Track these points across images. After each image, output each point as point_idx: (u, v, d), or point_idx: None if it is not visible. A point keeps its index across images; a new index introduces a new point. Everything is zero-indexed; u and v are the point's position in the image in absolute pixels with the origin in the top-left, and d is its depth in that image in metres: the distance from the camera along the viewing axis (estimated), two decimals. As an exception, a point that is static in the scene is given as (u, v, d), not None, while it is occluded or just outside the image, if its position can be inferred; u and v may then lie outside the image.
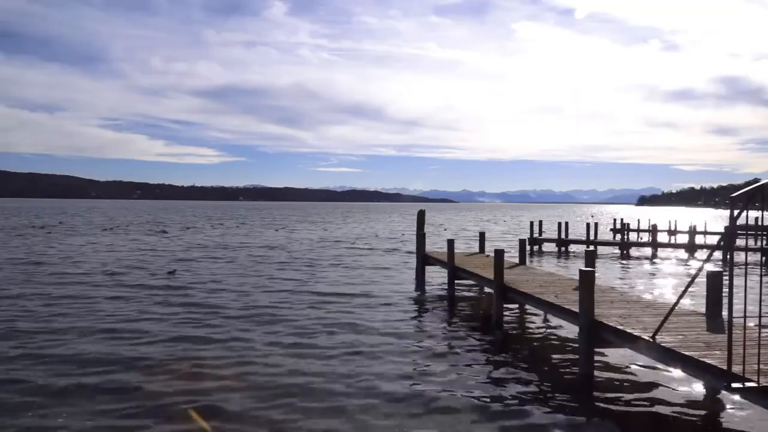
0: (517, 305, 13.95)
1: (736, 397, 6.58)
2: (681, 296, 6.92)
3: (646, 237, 40.88)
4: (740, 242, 35.04)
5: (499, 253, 12.77)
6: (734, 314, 5.45)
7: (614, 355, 9.76)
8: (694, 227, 34.61)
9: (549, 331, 12.38)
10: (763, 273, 22.74)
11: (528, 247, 27.53)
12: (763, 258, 26.76)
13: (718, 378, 6.06)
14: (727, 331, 5.52)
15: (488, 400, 8.04)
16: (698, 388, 8.29)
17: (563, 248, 33.44)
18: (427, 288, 18.47)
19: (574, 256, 30.88)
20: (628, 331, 7.88)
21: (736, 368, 5.50)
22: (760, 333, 5.74)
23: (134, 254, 28.65)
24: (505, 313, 12.91)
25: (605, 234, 45.60)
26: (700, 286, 9.82)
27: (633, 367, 9.42)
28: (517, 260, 17.40)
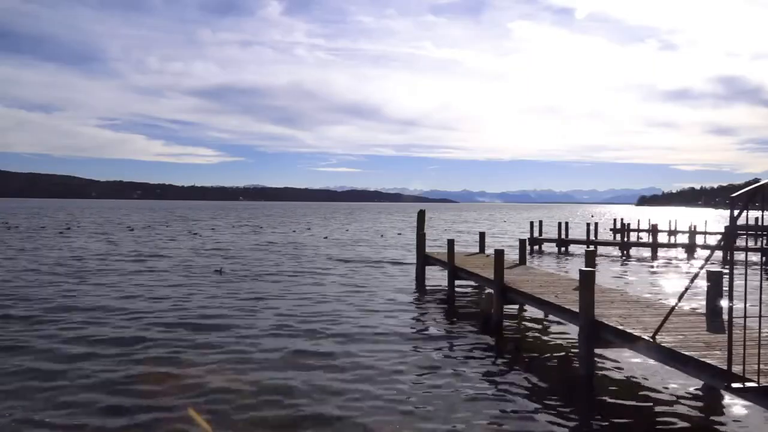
0: (517, 305, 13.94)
1: (736, 397, 6.57)
2: (681, 296, 6.92)
3: (646, 237, 40.88)
4: (740, 242, 35.03)
5: (499, 253, 12.76)
6: (734, 314, 5.44)
7: (614, 355, 9.77)
8: (694, 227, 34.62)
9: (549, 331, 12.38)
10: (763, 273, 22.73)
11: (528, 247, 27.55)
12: (763, 258, 26.75)
13: (718, 378, 6.06)
14: (727, 331, 5.52)
15: (488, 400, 8.04)
16: (698, 388, 8.29)
17: (563, 248, 33.44)
18: (427, 288, 18.47)
19: (574, 256, 30.88)
20: (628, 331, 7.88)
21: (736, 368, 5.50)
22: (760, 333, 5.73)
23: (174, 253, 28.68)
24: (505, 313, 12.91)
25: (605, 234, 45.59)
26: (701, 286, 9.82)
27: (633, 367, 9.42)
28: (517, 260, 17.41)
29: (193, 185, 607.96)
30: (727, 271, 6.31)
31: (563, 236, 33.88)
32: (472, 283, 16.72)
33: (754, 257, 28.82)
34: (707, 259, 6.37)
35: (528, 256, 20.21)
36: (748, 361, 5.49)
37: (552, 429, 7.04)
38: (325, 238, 43.57)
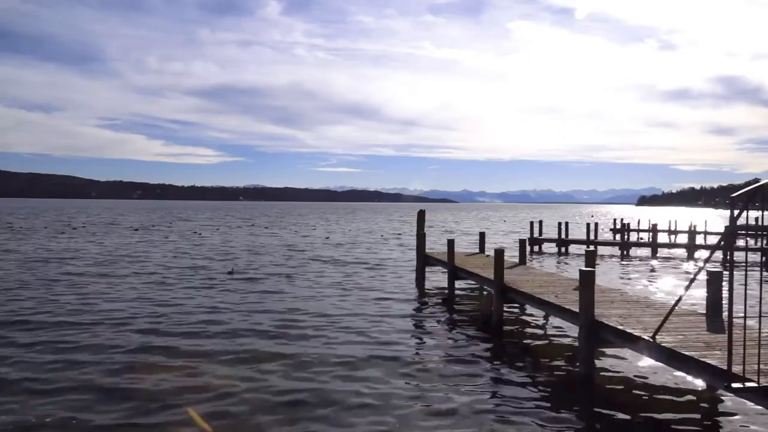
0: (517, 305, 13.95)
1: (736, 397, 6.57)
2: (681, 296, 6.93)
3: (646, 237, 40.86)
4: (740, 242, 35.02)
5: (499, 253, 12.76)
6: (734, 314, 5.44)
7: (614, 355, 9.77)
8: (694, 227, 34.59)
9: (549, 331, 12.38)
10: (763, 273, 22.72)
11: (528, 247, 27.55)
12: (763, 258, 26.74)
13: (718, 378, 6.06)
14: (727, 331, 5.52)
15: (488, 400, 8.04)
16: (698, 388, 8.29)
17: (563, 248, 33.43)
18: (427, 288, 18.47)
19: (574, 256, 30.88)
20: (628, 331, 7.88)
21: (736, 368, 5.50)
22: (760, 333, 5.73)
23: (182, 253, 28.68)
24: (505, 313, 12.91)
25: (605, 234, 45.59)
26: (700, 286, 9.82)
27: (633, 367, 9.42)
28: (517, 260, 17.40)
29: (193, 185, 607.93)
30: (727, 271, 6.31)
31: (563, 236, 33.87)
32: (472, 283, 16.71)
33: (754, 257, 28.81)
34: (707, 259, 6.37)
35: (528, 256, 20.21)
36: (748, 361, 5.49)
37: (552, 429, 7.04)
38: (327, 238, 43.62)
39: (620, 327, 8.11)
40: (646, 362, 8.98)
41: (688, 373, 6.84)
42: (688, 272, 24.01)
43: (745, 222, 34.15)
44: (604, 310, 9.13)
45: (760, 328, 5.74)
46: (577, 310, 8.84)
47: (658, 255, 31.19)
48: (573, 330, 10.47)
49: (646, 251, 33.17)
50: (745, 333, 5.76)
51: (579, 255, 30.70)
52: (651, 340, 7.29)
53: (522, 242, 18.04)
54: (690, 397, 8.12)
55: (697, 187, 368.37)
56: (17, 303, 14.80)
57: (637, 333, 7.70)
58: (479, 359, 10.12)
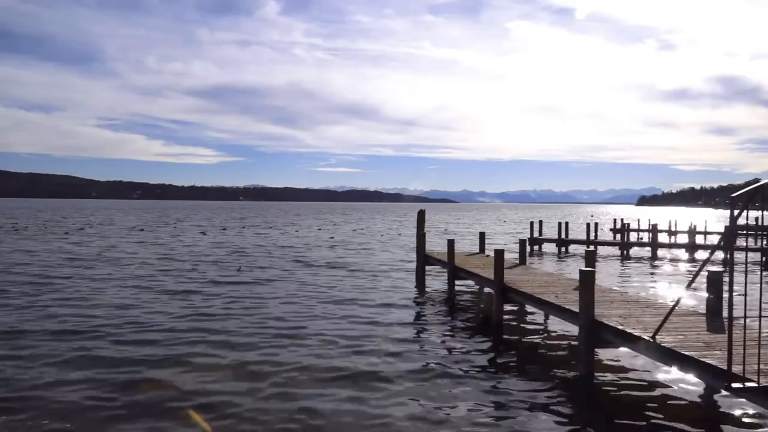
0: (517, 305, 13.95)
1: (736, 397, 6.57)
2: (681, 296, 6.93)
3: (646, 237, 40.86)
4: (740, 242, 35.02)
5: (499, 253, 12.76)
6: (734, 314, 5.44)
7: (614, 355, 9.77)
8: (694, 227, 34.59)
9: (549, 331, 12.38)
10: (763, 273, 22.71)
11: (528, 247, 27.54)
12: (763, 258, 26.73)
13: (718, 378, 6.06)
14: (727, 331, 5.52)
15: (488, 400, 8.04)
16: (698, 388, 8.29)
17: (563, 248, 33.43)
18: (427, 288, 18.47)
19: (574, 256, 30.88)
20: (628, 331, 7.88)
21: (736, 368, 5.50)
22: (760, 333, 5.73)
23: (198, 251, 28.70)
24: (505, 313, 12.91)
25: (605, 234, 45.59)
26: (700, 286, 9.83)
27: (633, 367, 9.42)
28: (517, 260, 17.41)
29: (193, 185, 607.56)
30: (727, 271, 6.31)
31: (563, 236, 33.87)
32: (472, 283, 16.72)
33: (754, 257, 28.80)
34: (707, 259, 6.37)
35: (528, 256, 20.20)
36: (748, 361, 5.49)
37: (552, 429, 7.04)
38: (332, 237, 43.80)
39: (620, 327, 8.11)
40: (646, 362, 8.98)
41: (688, 373, 6.84)
42: (688, 272, 24.02)
43: (745, 222, 34.15)
44: (604, 310, 9.13)
45: (760, 328, 5.74)
46: (577, 310, 8.84)
47: (658, 255, 31.18)
48: (573, 330, 10.47)
49: (646, 251, 33.16)
50: (745, 333, 5.76)
51: (579, 255, 30.71)
52: (651, 340, 7.29)
53: (522, 242, 18.05)
54: (690, 397, 8.12)
55: (697, 187, 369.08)
56: (16, 305, 14.81)
57: (637, 333, 7.70)
58: (479, 359, 10.11)
